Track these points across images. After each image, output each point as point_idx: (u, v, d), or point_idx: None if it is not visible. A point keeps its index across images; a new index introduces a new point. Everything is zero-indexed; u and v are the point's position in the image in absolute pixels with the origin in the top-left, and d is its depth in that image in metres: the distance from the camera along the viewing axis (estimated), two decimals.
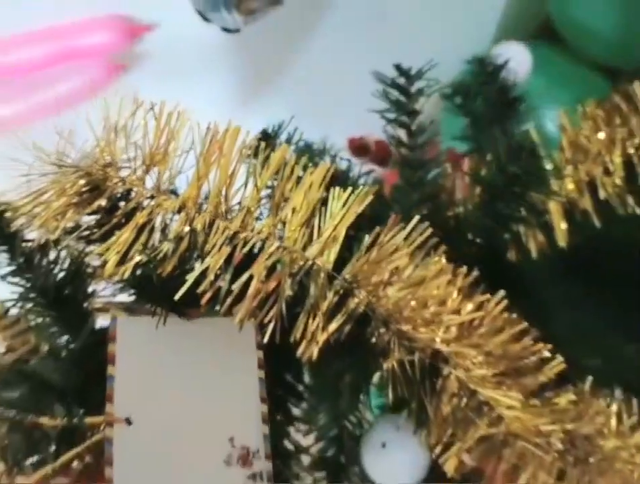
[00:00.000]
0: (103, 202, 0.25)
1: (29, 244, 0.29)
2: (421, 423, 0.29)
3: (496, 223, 0.35)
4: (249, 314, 0.24)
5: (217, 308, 0.24)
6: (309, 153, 0.43)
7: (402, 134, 0.40)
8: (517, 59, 0.51)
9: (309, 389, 0.37)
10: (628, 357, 0.37)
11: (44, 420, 0.23)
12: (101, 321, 0.28)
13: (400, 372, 0.26)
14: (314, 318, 0.24)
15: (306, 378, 0.37)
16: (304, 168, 0.26)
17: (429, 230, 0.25)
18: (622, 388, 0.35)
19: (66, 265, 0.29)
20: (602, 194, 0.34)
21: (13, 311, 0.29)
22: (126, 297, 0.28)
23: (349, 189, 0.25)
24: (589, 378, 0.29)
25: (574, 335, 0.37)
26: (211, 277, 0.24)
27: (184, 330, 0.25)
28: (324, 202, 0.27)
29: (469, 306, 0.25)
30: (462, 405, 0.27)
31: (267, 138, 0.39)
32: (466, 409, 0.27)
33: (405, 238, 0.24)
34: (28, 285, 0.29)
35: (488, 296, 0.26)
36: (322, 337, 0.24)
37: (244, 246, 0.24)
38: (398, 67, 0.40)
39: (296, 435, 0.36)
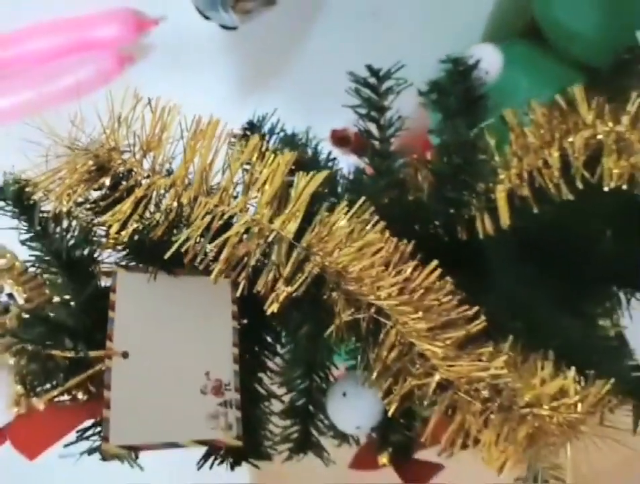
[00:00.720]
0: (107, 180, 0.31)
1: (45, 214, 0.34)
2: (369, 374, 0.34)
3: (446, 207, 0.40)
4: (224, 274, 0.29)
5: (198, 267, 0.29)
6: (293, 142, 0.48)
7: (372, 127, 0.46)
8: (489, 60, 0.56)
9: (285, 348, 0.42)
10: (552, 322, 0.42)
11: (57, 353, 0.28)
12: (104, 280, 0.34)
13: (348, 327, 0.32)
14: (277, 279, 0.30)
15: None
16: (274, 155, 0.31)
17: (370, 211, 0.30)
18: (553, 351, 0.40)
19: (76, 233, 0.34)
20: (538, 183, 0.39)
21: (32, 269, 0.34)
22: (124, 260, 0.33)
23: (309, 173, 0.31)
24: (510, 337, 0.35)
25: (508, 300, 0.42)
26: (193, 242, 0.29)
27: (171, 285, 0.30)
28: (291, 184, 0.32)
29: (407, 271, 0.31)
30: (401, 357, 0.32)
31: (253, 128, 0.44)
32: (405, 359, 0.32)
33: (352, 216, 0.30)
34: (44, 249, 0.34)
35: (419, 263, 0.31)
36: (283, 295, 0.30)
37: (221, 217, 0.30)
38: (369, 68, 0.45)
39: (272, 387, 0.42)
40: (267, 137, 0.43)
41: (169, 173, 0.31)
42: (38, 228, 0.34)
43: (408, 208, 0.44)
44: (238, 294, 0.29)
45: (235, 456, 0.32)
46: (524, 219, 0.42)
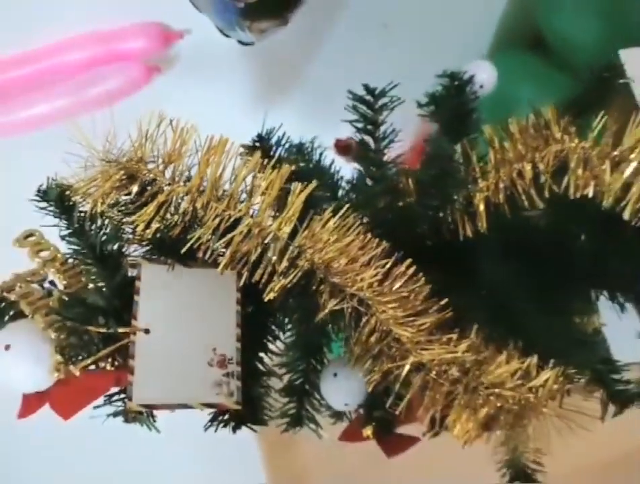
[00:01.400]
0: (135, 187, 0.37)
1: (82, 214, 0.39)
2: (352, 357, 0.40)
3: (429, 212, 0.45)
4: (229, 267, 0.35)
5: (208, 261, 0.35)
6: (300, 151, 0.54)
7: (368, 139, 0.51)
8: (484, 75, 0.61)
9: (286, 334, 0.48)
10: (527, 316, 0.47)
11: (91, 329, 0.34)
12: (130, 270, 0.40)
13: (334, 315, 0.37)
14: (274, 272, 0.36)
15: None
16: (273, 168, 0.37)
17: (354, 216, 0.36)
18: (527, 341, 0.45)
19: (108, 230, 0.40)
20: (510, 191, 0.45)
21: (70, 260, 0.40)
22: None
23: (301, 184, 0.36)
24: (477, 326, 0.40)
25: (488, 295, 0.47)
26: (205, 239, 0.35)
27: (186, 275, 0.36)
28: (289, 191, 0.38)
29: (386, 266, 0.36)
30: (379, 342, 0.37)
31: (262, 140, 0.50)
32: (382, 344, 0.38)
33: (337, 220, 0.35)
34: (81, 243, 0.40)
35: (397, 260, 0.36)
36: (278, 285, 0.36)
37: (228, 220, 0.35)
38: (366, 86, 0.50)
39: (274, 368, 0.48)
40: (274, 148, 0.49)
41: (187, 181, 0.37)
42: (76, 226, 0.39)
43: (399, 212, 0.50)
44: (241, 283, 0.35)
45: (236, 421, 0.38)
46: (507, 223, 0.47)
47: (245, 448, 1.09)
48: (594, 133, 0.43)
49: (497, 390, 0.39)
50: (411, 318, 0.37)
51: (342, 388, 0.44)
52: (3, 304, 0.36)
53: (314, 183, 0.35)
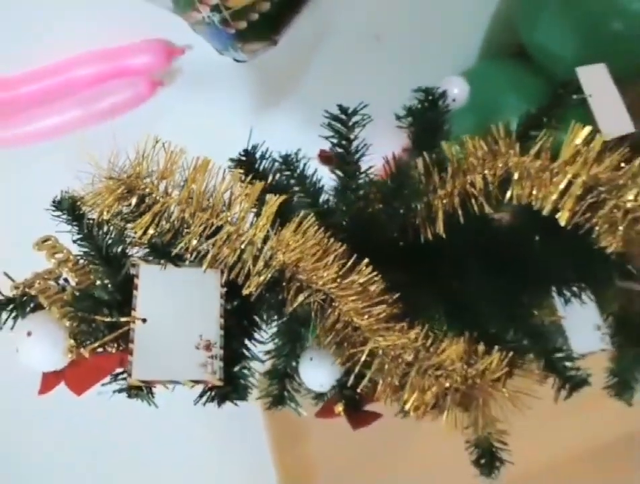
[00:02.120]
0: (134, 199, 0.44)
1: (91, 222, 0.46)
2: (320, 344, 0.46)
3: (394, 218, 0.52)
4: (212, 266, 0.42)
5: (195, 261, 0.42)
6: (286, 162, 0.61)
7: (343, 153, 0.57)
8: (456, 89, 0.67)
9: (272, 325, 0.55)
10: (486, 308, 0.54)
11: (98, 319, 0.41)
12: (131, 269, 0.47)
13: (303, 308, 0.44)
14: (251, 271, 0.42)
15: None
16: (257, 179, 0.43)
17: (316, 224, 0.42)
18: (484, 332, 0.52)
19: (112, 235, 0.47)
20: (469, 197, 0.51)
21: (81, 261, 0.47)
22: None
23: (275, 196, 0.43)
24: (426, 317, 0.46)
25: (454, 290, 0.54)
26: (192, 243, 0.42)
27: (176, 273, 0.43)
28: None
29: (345, 266, 0.43)
30: (341, 330, 0.44)
31: (247, 154, 0.57)
32: (345, 332, 0.44)
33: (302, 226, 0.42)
34: (90, 246, 0.47)
35: (356, 260, 0.43)
36: (254, 282, 0.42)
37: (211, 227, 0.42)
38: (340, 107, 0.56)
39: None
40: (259, 162, 0.56)
41: (178, 193, 0.44)
42: (86, 232, 0.45)
43: (369, 218, 0.56)
44: (223, 280, 0.42)
45: (220, 396, 0.45)
46: (471, 227, 0.53)
47: (255, 444, 1.16)
48: (536, 148, 0.49)
49: (443, 371, 0.45)
50: (368, 309, 0.44)
51: (317, 371, 0.50)
52: (25, 298, 0.43)
53: (282, 197, 0.42)
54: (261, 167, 0.55)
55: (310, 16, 0.86)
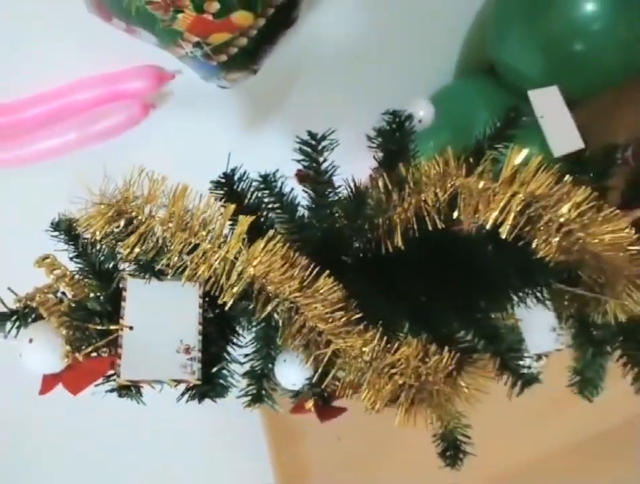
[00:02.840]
0: (122, 221, 0.50)
1: (85, 241, 0.52)
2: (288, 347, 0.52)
3: (356, 233, 0.58)
4: (191, 279, 0.48)
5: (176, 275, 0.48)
6: (265, 181, 0.67)
7: (313, 174, 0.63)
8: (422, 111, 0.73)
9: (250, 331, 0.61)
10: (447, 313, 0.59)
11: (91, 326, 0.48)
12: (121, 282, 0.53)
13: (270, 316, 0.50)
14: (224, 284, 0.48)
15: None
16: (223, 206, 0.49)
17: (282, 239, 0.48)
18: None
19: (104, 253, 0.53)
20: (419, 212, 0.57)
21: (77, 276, 0.53)
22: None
23: (246, 217, 0.49)
24: (379, 324, 0.52)
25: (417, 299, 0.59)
26: (173, 259, 0.48)
27: (159, 286, 0.49)
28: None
29: (308, 277, 0.49)
30: (307, 334, 0.50)
31: (227, 177, 0.63)
32: (310, 336, 0.50)
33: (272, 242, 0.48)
34: (84, 263, 0.53)
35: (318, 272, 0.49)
36: (230, 294, 0.48)
37: (189, 245, 0.48)
38: (309, 133, 0.62)
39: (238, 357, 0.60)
40: (237, 183, 0.62)
41: (162, 216, 0.50)
42: (81, 250, 0.52)
43: (337, 232, 0.62)
44: (201, 292, 0.48)
45: (201, 394, 0.51)
46: (432, 238, 0.58)
47: (254, 446, 1.21)
48: (480, 169, 0.55)
49: (397, 369, 0.51)
50: (330, 315, 0.49)
51: (290, 371, 0.56)
52: (27, 309, 0.49)
53: (250, 219, 0.48)
54: (239, 188, 0.61)
55: (290, 42, 0.92)
